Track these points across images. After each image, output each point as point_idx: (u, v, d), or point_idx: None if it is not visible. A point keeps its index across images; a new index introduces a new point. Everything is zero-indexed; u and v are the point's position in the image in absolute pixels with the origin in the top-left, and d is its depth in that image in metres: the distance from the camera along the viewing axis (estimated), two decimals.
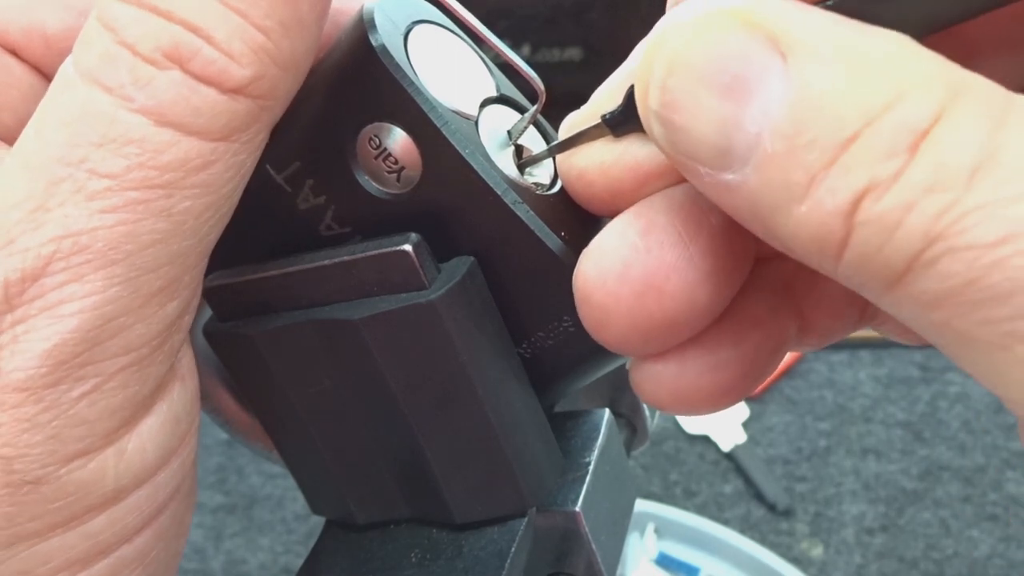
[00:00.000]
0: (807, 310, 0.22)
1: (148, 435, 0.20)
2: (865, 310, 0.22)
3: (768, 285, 0.21)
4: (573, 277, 0.20)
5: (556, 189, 0.22)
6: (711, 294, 0.19)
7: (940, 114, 0.14)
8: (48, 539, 0.19)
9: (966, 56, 0.15)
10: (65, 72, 0.18)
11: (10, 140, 0.20)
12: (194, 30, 0.17)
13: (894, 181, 0.14)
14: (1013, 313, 0.14)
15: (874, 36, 0.15)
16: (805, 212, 0.15)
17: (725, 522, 0.64)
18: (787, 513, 0.66)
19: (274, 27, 0.18)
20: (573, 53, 0.83)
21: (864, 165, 0.14)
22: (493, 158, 0.21)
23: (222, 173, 0.18)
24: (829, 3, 0.16)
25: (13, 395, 0.18)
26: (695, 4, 0.16)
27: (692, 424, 0.73)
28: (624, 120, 0.20)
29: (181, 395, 0.21)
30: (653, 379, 0.20)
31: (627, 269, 0.19)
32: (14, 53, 0.22)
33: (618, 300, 0.19)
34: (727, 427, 0.72)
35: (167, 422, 0.21)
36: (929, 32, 0.15)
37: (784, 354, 0.21)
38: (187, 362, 0.22)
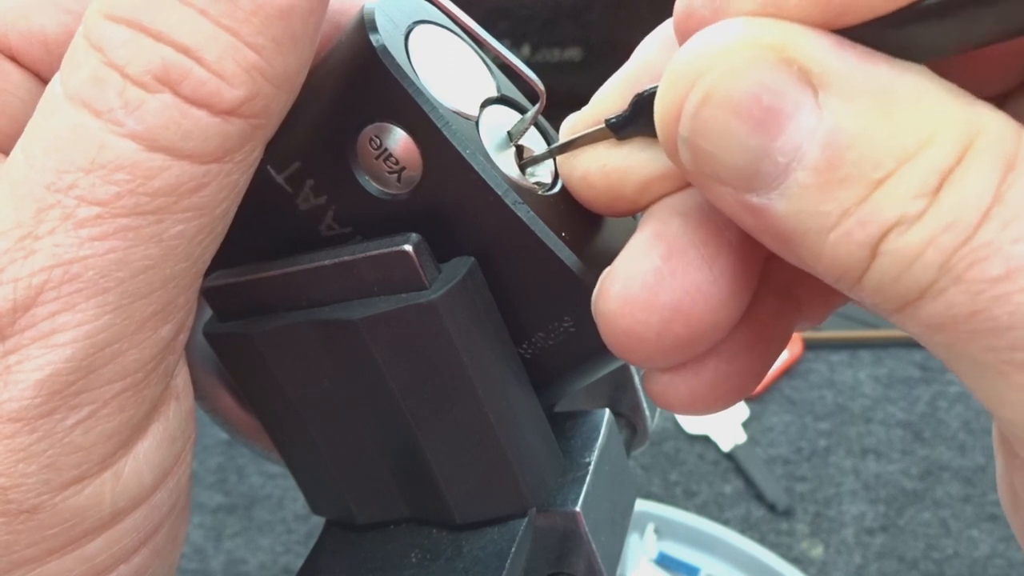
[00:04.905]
0: (803, 300, 0.22)
1: (144, 457, 0.20)
2: None
3: (772, 285, 0.21)
4: (594, 303, 0.20)
5: (557, 189, 0.22)
6: (733, 309, 0.19)
7: (962, 156, 0.15)
8: (46, 564, 0.19)
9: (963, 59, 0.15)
10: (53, 92, 0.18)
11: (8, 147, 0.19)
12: (184, 51, 0.17)
13: (919, 219, 0.15)
14: (1011, 344, 0.15)
15: (899, 71, 0.15)
16: (832, 240, 0.15)
17: (725, 522, 0.64)
18: (787, 513, 0.66)
19: (267, 44, 0.17)
20: (573, 53, 0.83)
21: (895, 203, 0.15)
22: (494, 158, 0.21)
23: (215, 194, 0.18)
24: (848, 30, 0.16)
25: (7, 425, 0.18)
26: (725, 30, 0.16)
27: (692, 424, 0.73)
28: (628, 124, 0.20)
29: (176, 414, 0.21)
30: (671, 390, 0.20)
31: (654, 296, 0.18)
32: (13, 59, 0.22)
33: (647, 326, 0.19)
34: (727, 427, 0.72)
35: (163, 442, 0.20)
36: (941, 57, 0.16)
37: (787, 342, 0.22)
38: (182, 379, 0.21)
